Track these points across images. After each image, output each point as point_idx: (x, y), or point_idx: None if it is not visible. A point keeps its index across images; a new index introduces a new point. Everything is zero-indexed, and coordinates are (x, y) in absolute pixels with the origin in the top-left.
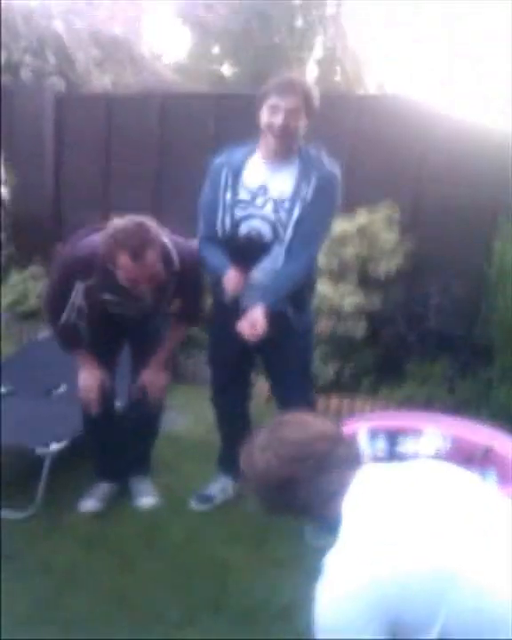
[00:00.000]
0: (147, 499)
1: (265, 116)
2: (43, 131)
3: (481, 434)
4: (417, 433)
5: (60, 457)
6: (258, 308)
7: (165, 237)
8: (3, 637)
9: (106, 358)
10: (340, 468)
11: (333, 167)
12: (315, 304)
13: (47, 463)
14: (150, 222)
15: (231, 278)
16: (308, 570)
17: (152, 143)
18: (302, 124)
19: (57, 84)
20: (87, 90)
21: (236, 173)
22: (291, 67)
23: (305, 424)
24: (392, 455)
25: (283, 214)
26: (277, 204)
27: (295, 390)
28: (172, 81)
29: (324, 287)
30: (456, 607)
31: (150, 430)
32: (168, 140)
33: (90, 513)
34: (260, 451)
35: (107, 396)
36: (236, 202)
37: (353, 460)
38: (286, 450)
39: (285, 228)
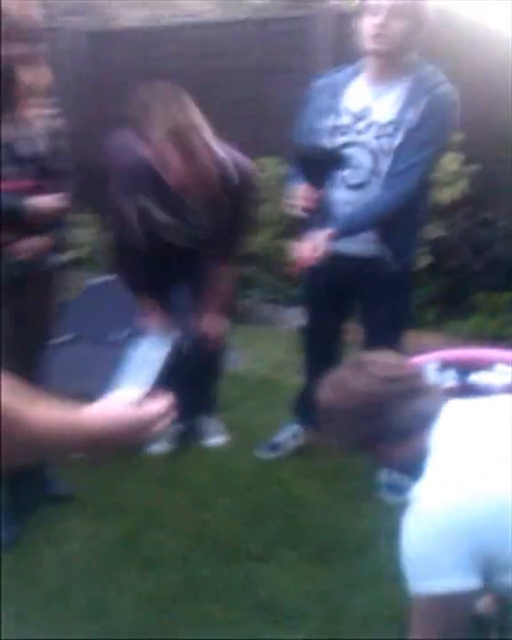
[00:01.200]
0: (216, 438)
1: (364, 24)
2: (79, 69)
3: None
4: (488, 366)
5: None
6: (323, 231)
7: (219, 147)
8: (85, 577)
9: (165, 300)
10: (430, 395)
11: (448, 87)
12: None
13: None
14: (202, 124)
15: (300, 193)
16: (382, 505)
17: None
18: (408, 28)
19: (87, 21)
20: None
21: (338, 95)
22: None
23: (390, 355)
24: (464, 386)
25: (384, 141)
26: (380, 129)
27: (385, 342)
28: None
29: None
30: None
31: (214, 370)
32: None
33: (159, 454)
34: (352, 374)
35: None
36: (336, 127)
37: (439, 392)
38: (381, 370)
39: (387, 156)
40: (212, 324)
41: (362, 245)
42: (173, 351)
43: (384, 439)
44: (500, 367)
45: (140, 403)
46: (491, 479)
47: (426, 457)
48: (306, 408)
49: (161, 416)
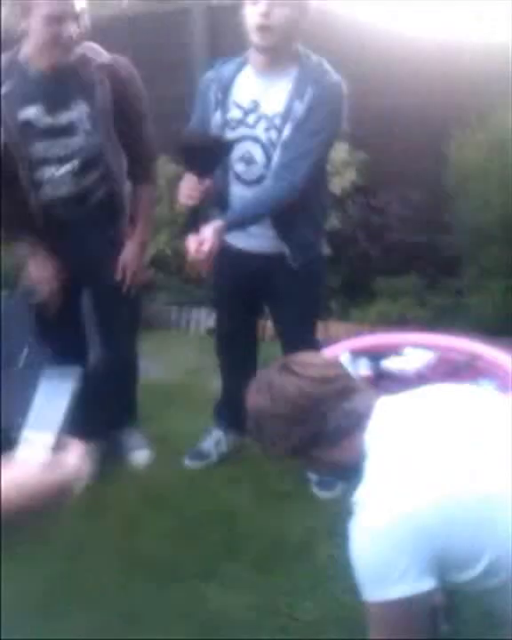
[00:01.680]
0: (141, 452)
1: (247, 12)
2: None
3: (461, 345)
4: (398, 350)
5: None
6: (211, 225)
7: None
8: (19, 623)
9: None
10: (362, 393)
11: (335, 76)
12: None
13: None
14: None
15: (186, 183)
16: (316, 502)
17: None
18: (292, 17)
19: None
20: None
21: (226, 89)
22: None
23: (316, 355)
24: (378, 373)
25: (273, 133)
26: (269, 122)
27: (299, 338)
28: None
29: None
30: (503, 535)
31: (129, 374)
32: None
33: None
34: (280, 377)
35: (67, 292)
36: (226, 121)
37: (370, 390)
38: (311, 371)
39: (278, 149)
40: (131, 257)
41: (263, 242)
42: (81, 380)
43: (319, 443)
44: (408, 350)
45: (52, 456)
46: (433, 478)
47: (363, 459)
48: (227, 412)
49: (77, 469)
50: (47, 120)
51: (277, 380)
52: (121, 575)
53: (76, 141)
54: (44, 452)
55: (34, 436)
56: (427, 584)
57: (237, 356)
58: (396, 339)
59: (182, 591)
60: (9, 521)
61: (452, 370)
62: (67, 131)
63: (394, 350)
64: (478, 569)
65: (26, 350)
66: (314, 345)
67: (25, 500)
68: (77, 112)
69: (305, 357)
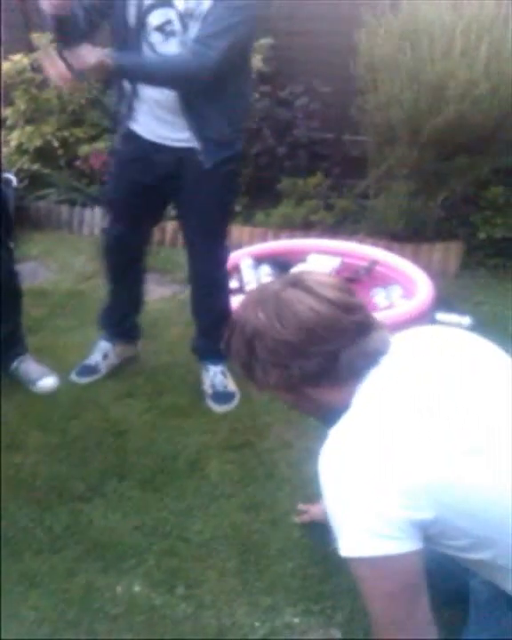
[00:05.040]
0: (48, 379)
1: None
2: None
3: (364, 252)
4: (303, 257)
5: None
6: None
7: None
8: None
9: None
10: (381, 329)
11: None
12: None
13: None
14: None
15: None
16: (210, 416)
17: None
18: None
19: None
20: None
21: None
22: None
23: (330, 275)
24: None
25: (193, 4)
26: None
27: (206, 248)
28: None
29: None
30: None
31: (10, 294)
32: None
33: None
34: (297, 296)
35: None
36: None
37: (386, 327)
38: (334, 294)
39: (196, 21)
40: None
41: (173, 133)
42: None
43: (319, 382)
44: (313, 257)
45: None
46: (433, 439)
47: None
48: (113, 321)
49: None
50: None
51: (289, 298)
52: (1, 497)
53: None
54: None
55: None
56: (410, 545)
57: (127, 261)
58: (299, 244)
59: (64, 514)
60: None
61: (353, 275)
62: None
63: (298, 257)
64: (463, 541)
65: None
66: (222, 254)
67: None
68: None
69: (318, 276)
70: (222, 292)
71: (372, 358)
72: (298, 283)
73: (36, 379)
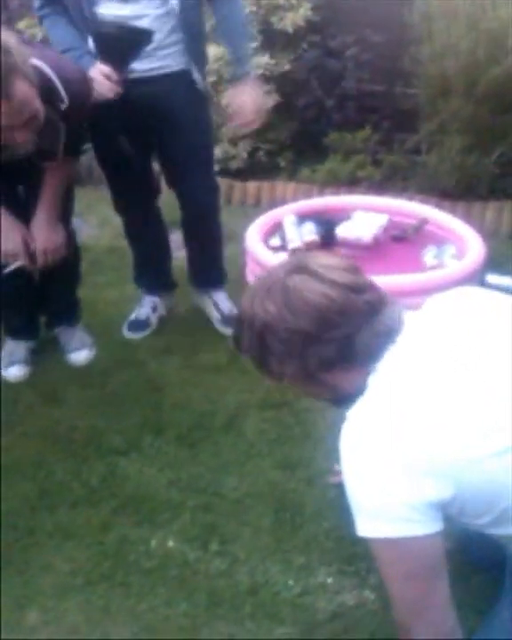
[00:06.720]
0: (81, 353)
1: None
2: None
3: (412, 209)
4: (347, 215)
5: None
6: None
7: (39, 59)
8: None
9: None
10: (393, 304)
11: None
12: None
13: None
14: (7, 37)
15: (102, 78)
16: (249, 375)
17: None
18: None
19: None
20: None
21: None
22: None
23: (334, 255)
24: (327, 239)
25: None
26: None
27: (198, 181)
28: None
29: (214, 48)
30: None
31: (70, 272)
32: None
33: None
34: (304, 282)
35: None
36: None
37: (399, 305)
38: (341, 276)
39: None
40: (47, 236)
41: (163, 60)
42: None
43: (334, 366)
44: (358, 214)
45: None
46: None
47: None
48: (147, 275)
49: None
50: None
51: (295, 285)
52: (35, 451)
53: None
54: None
55: None
56: (428, 527)
57: (141, 213)
58: (346, 201)
59: (100, 468)
60: None
61: (402, 234)
62: None
63: (343, 214)
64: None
65: None
66: (215, 180)
67: None
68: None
69: (323, 259)
70: (217, 217)
71: (386, 337)
72: (302, 268)
73: (72, 350)
